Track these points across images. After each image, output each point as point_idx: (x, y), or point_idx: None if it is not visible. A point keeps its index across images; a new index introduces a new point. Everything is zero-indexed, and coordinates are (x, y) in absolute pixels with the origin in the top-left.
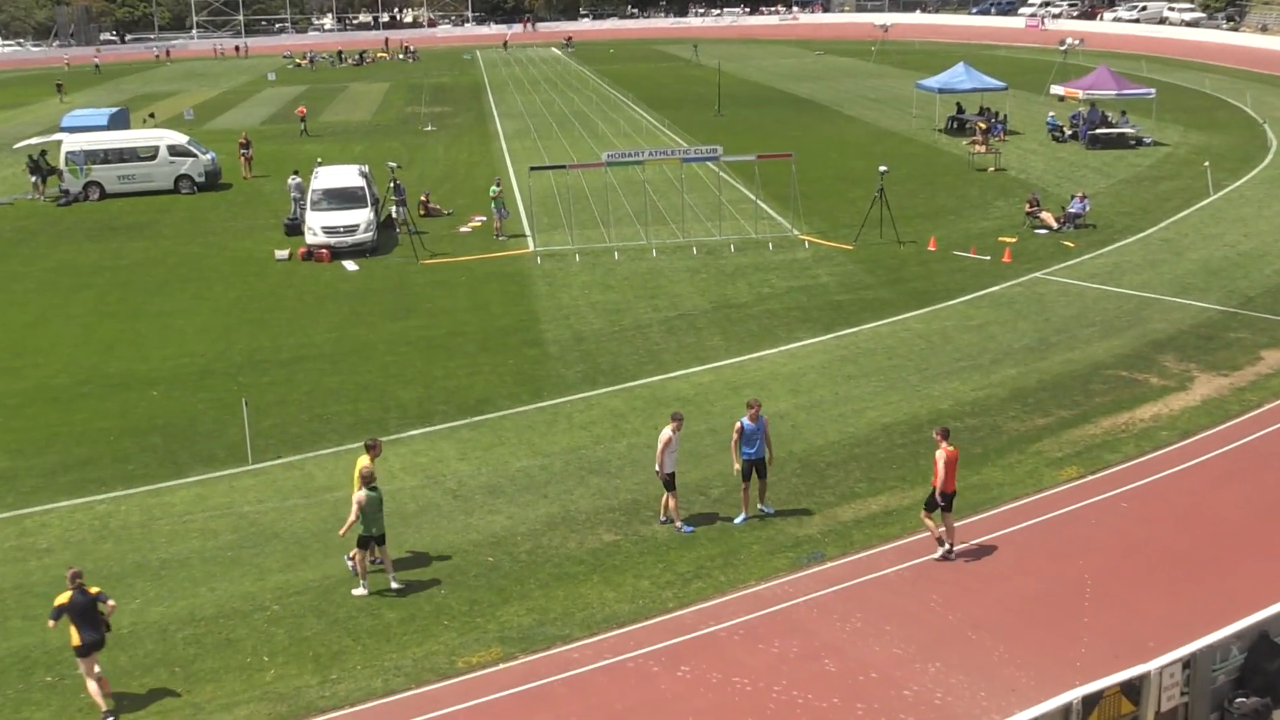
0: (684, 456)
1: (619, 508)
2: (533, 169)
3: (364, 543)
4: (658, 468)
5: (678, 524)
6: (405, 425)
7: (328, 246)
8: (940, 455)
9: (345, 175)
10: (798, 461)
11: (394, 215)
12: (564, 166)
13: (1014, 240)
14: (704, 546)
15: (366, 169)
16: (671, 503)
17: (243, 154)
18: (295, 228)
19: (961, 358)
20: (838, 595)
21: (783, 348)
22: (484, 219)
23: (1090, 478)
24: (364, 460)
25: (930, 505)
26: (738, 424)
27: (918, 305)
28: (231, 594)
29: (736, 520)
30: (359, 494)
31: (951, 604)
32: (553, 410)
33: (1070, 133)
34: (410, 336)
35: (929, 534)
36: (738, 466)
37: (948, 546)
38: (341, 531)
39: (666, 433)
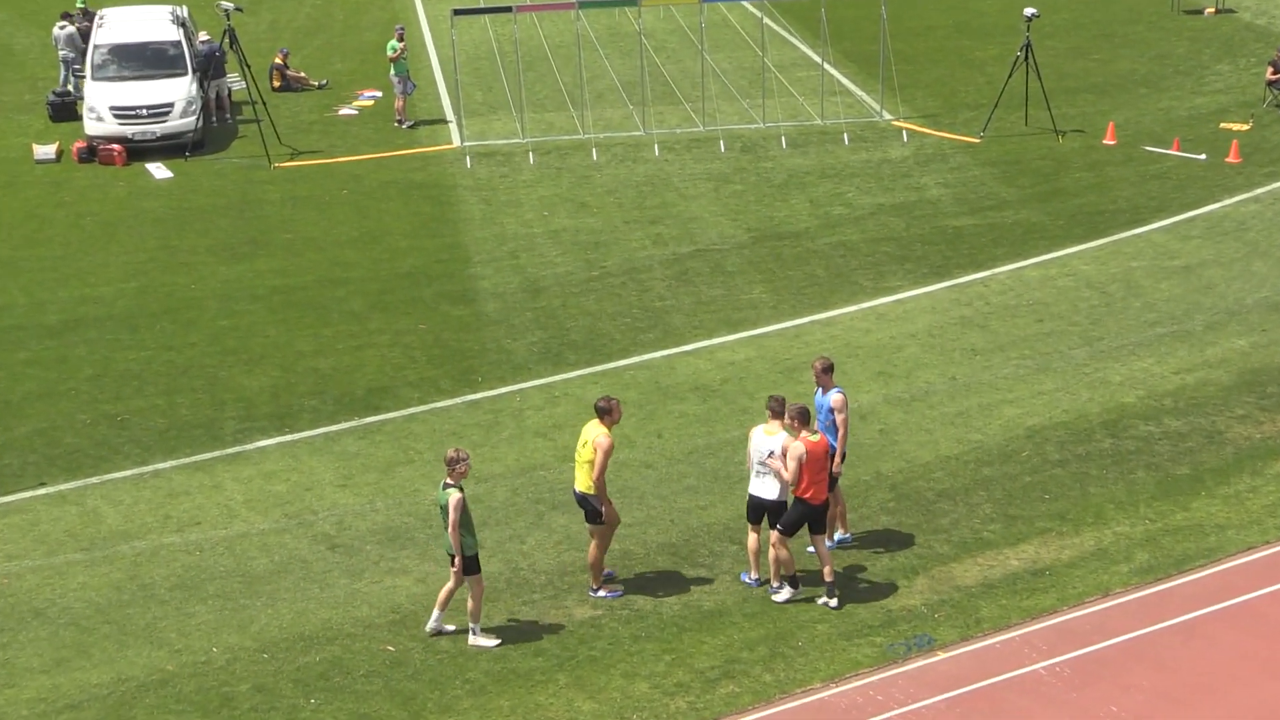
0: (710, 482)
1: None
2: (457, 13)
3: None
4: (776, 494)
5: (774, 584)
6: (250, 431)
7: (122, 139)
8: (800, 449)
9: (150, 23)
10: (889, 488)
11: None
12: (509, 9)
13: (1246, 128)
14: (738, 626)
15: (184, 12)
16: (782, 553)
17: None
18: (68, 108)
19: (1158, 320)
20: (956, 704)
21: (866, 304)
22: (378, 95)
23: None
24: (599, 430)
25: (812, 526)
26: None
27: (1086, 235)
28: None
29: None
30: None
31: (1144, 719)
32: (492, 406)
33: None
34: (258, 287)
35: (768, 576)
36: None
37: (790, 581)
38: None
39: (785, 437)
